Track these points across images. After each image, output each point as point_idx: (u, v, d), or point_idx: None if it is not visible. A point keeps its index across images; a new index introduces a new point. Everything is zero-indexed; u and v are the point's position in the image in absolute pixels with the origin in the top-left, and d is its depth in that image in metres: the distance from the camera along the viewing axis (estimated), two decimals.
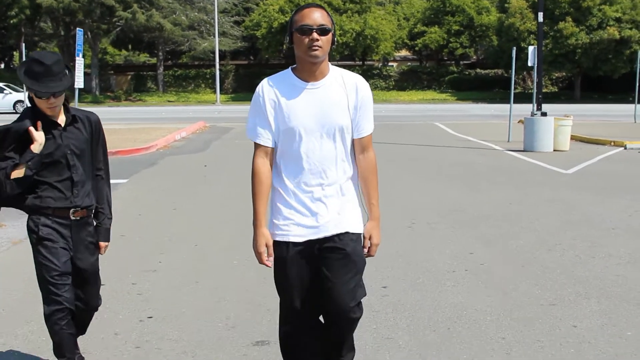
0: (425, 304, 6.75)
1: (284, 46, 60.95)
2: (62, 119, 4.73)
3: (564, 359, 5.44)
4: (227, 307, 6.72)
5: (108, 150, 5.18)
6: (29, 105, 4.74)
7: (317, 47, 3.98)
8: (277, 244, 4.17)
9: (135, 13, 57.25)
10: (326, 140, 4.11)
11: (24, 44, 27.29)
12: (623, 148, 21.48)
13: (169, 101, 61.45)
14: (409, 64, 71.81)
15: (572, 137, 22.18)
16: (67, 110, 4.77)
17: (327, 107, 4.09)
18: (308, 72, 4.11)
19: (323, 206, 4.12)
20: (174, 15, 60.42)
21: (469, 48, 65.62)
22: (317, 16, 4.01)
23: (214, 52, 60.42)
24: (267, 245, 4.16)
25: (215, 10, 59.31)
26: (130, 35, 64.69)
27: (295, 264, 4.16)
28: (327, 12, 4.09)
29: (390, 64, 71.11)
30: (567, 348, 5.66)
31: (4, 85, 49.40)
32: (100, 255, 5.07)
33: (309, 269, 4.17)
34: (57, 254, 4.71)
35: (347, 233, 4.13)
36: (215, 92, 60.93)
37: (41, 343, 5.78)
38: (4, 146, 4.59)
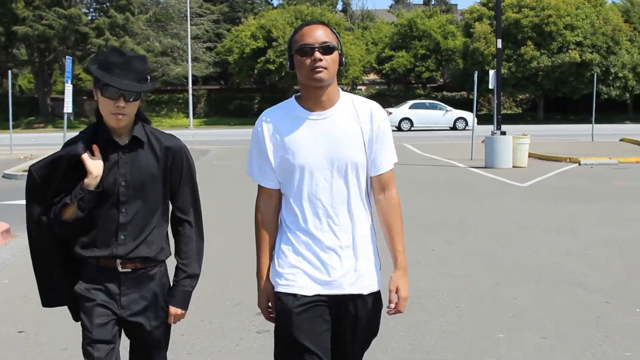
0: None
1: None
2: (125, 140, 3.66)
3: (504, 321, 6.87)
4: (231, 292, 8.07)
5: None
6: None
7: (320, 68, 3.45)
8: (280, 295, 3.54)
9: (108, 40, 58.27)
10: (337, 179, 3.54)
11: None
12: (577, 164, 23.09)
13: None
14: (377, 87, 73.49)
15: (532, 155, 23.83)
16: (133, 130, 3.67)
17: (337, 140, 3.53)
18: (313, 100, 3.55)
19: (336, 258, 3.52)
20: (148, 42, 61.47)
21: (435, 72, 67.30)
22: (319, 34, 3.50)
23: (186, 77, 61.58)
24: (269, 301, 3.65)
25: (188, 36, 60.65)
26: None
27: (302, 316, 3.49)
28: (331, 29, 3.58)
29: (359, 87, 72.73)
30: (507, 312, 7.13)
31: (442, 104, 51.67)
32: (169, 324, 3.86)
33: (319, 322, 3.52)
34: (91, 314, 3.66)
35: (362, 295, 3.57)
36: (188, 116, 62.04)
37: None
38: (56, 177, 3.59)
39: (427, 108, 50.75)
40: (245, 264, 7.18)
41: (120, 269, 3.63)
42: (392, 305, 3.61)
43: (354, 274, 3.53)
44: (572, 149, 27.77)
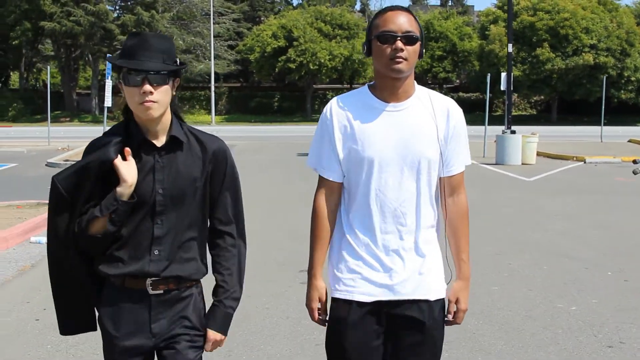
0: None
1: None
2: (161, 141, 3.19)
3: (499, 278, 8.39)
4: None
5: None
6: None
7: (401, 59, 3.22)
8: (336, 301, 3.36)
9: None
10: (407, 175, 3.31)
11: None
12: (583, 162, 24.54)
13: None
14: None
15: (541, 154, 25.38)
16: (170, 129, 3.20)
17: (410, 134, 3.31)
18: (389, 91, 3.33)
19: (400, 261, 3.31)
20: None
21: (451, 73, 68.40)
22: (403, 21, 3.26)
23: (209, 75, 63.12)
24: (320, 301, 3.43)
25: (211, 35, 62.20)
26: None
27: (358, 330, 3.32)
28: (415, 17, 3.34)
29: None
30: (502, 273, 8.68)
31: None
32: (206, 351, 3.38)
33: (373, 337, 3.34)
34: (112, 349, 3.24)
35: (427, 301, 3.34)
36: (210, 113, 63.50)
37: None
38: (84, 187, 3.11)
39: None
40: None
41: (150, 290, 3.14)
42: (450, 317, 3.43)
43: (418, 277, 3.31)
44: (580, 149, 29.13)
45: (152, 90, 3.02)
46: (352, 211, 3.37)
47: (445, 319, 3.43)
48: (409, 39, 3.23)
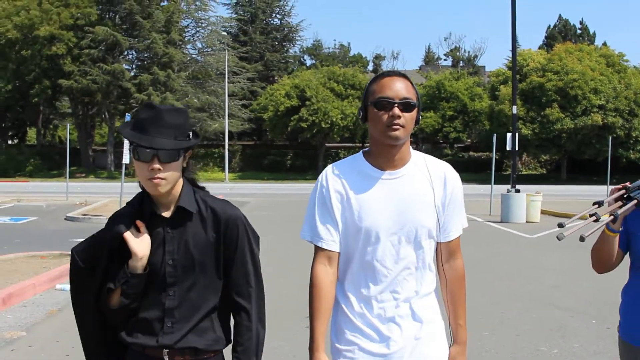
0: None
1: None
2: (171, 211, 3.19)
3: (491, 324, 9.06)
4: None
5: None
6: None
7: (398, 126, 3.16)
8: None
9: (150, 95, 60.51)
10: (405, 244, 3.28)
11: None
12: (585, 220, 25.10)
13: None
14: None
15: (545, 212, 26.06)
16: (180, 198, 3.18)
17: (408, 203, 3.26)
18: (385, 158, 3.28)
19: (397, 329, 3.28)
20: (187, 98, 63.90)
21: (462, 132, 68.94)
22: (400, 87, 3.21)
23: (223, 133, 64.19)
24: None
25: (226, 93, 63.36)
26: None
27: None
28: (412, 83, 3.29)
29: None
30: (494, 320, 9.35)
31: None
32: None
33: None
34: None
35: None
36: (223, 170, 64.48)
37: None
38: (99, 258, 3.16)
39: None
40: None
41: None
42: None
43: (414, 342, 3.28)
44: (585, 208, 29.31)
45: (161, 167, 3.00)
46: (347, 281, 3.34)
47: None
48: (406, 106, 3.19)
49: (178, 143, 3.03)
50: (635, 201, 3.57)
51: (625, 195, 3.62)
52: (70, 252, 3.24)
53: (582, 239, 3.26)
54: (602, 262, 3.93)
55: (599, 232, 3.65)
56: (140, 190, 3.20)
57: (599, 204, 3.59)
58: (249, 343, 3.17)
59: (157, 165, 2.99)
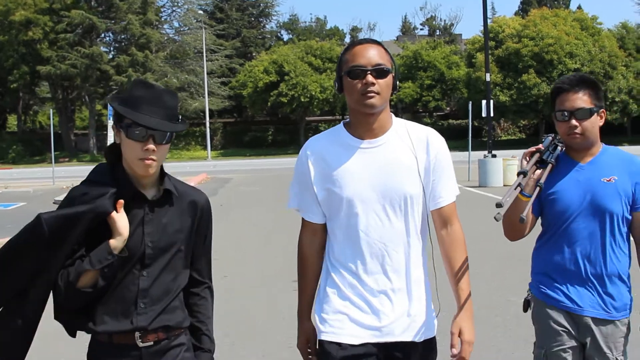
0: None
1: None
2: (151, 193, 3.12)
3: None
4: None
5: None
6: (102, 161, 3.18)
7: (373, 93, 3.11)
8: (323, 343, 3.27)
9: (130, 77, 60.59)
10: (390, 213, 3.21)
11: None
12: None
13: None
14: None
15: None
16: (160, 181, 3.16)
17: (389, 171, 3.20)
18: (364, 127, 3.23)
19: (388, 302, 3.22)
20: (166, 78, 64.00)
21: (441, 101, 69.32)
22: (372, 54, 3.15)
23: (203, 111, 64.33)
24: (309, 343, 3.40)
25: (205, 72, 63.49)
26: None
27: None
28: (386, 49, 3.23)
29: None
30: None
31: None
32: None
33: None
34: None
35: (416, 343, 3.26)
36: (205, 148, 64.72)
37: None
38: (71, 236, 2.92)
39: None
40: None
41: (140, 343, 3.07)
42: (455, 351, 3.22)
43: (407, 319, 3.23)
44: None
45: (155, 148, 2.95)
46: (336, 252, 3.29)
47: (451, 355, 3.24)
48: (379, 72, 3.13)
49: (174, 126, 3.01)
50: (550, 165, 3.65)
51: (539, 159, 3.66)
52: (35, 219, 2.90)
53: (499, 205, 3.11)
54: (514, 228, 3.89)
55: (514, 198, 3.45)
56: (103, 164, 3.12)
57: (524, 174, 3.52)
58: (210, 314, 3.37)
59: (151, 146, 2.93)
